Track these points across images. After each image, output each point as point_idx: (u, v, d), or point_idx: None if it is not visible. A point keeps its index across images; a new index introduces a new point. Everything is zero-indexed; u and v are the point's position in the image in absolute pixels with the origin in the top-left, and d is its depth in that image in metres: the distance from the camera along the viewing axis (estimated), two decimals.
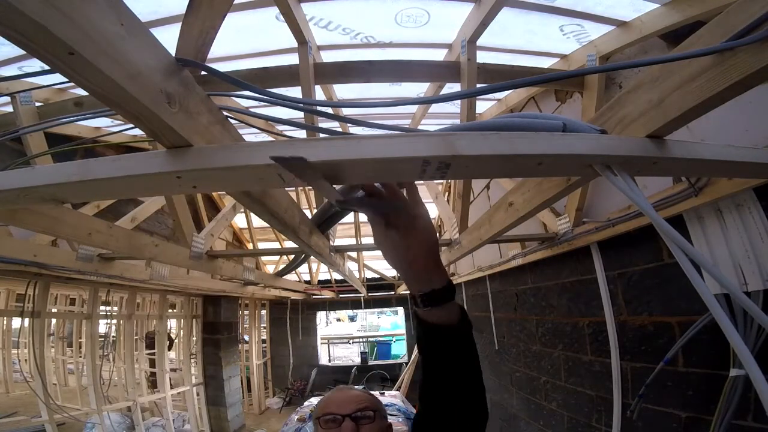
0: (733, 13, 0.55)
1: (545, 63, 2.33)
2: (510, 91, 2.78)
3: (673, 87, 0.63)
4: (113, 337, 5.48)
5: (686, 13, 1.59)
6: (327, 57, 2.19)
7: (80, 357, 6.45)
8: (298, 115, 2.44)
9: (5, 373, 6.65)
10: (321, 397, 1.26)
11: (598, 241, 2.15)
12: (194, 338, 5.87)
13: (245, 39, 2.02)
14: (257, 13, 1.82)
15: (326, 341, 10.54)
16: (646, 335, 1.91)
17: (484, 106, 3.04)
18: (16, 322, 6.59)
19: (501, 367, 3.87)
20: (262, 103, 2.02)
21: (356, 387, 1.19)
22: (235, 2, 1.30)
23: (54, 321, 7.21)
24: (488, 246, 2.49)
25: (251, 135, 2.90)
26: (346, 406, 1.01)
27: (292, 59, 1.98)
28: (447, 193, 4.49)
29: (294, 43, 1.86)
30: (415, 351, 7.85)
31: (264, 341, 9.03)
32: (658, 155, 0.64)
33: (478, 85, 1.92)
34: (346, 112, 2.80)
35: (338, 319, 20.04)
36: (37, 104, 2.07)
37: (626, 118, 0.73)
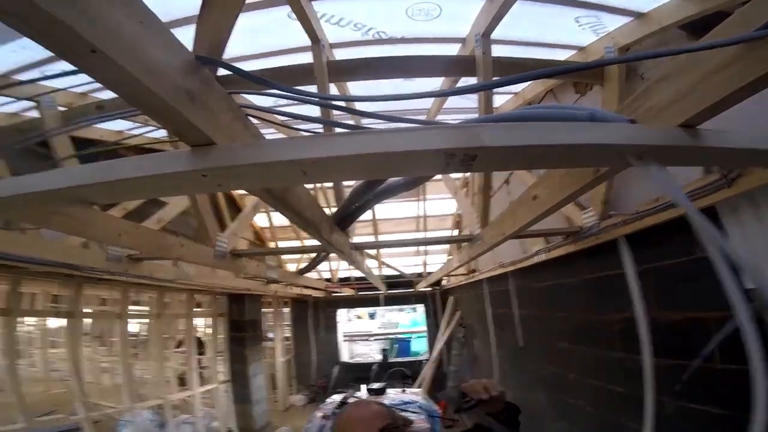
0: (760, 2, 0.52)
1: (561, 55, 2.28)
2: (527, 83, 2.73)
3: (703, 76, 0.60)
4: (144, 335, 5.64)
5: (706, 3, 1.54)
6: (340, 54, 2.19)
7: (113, 356, 6.67)
8: (314, 110, 2.46)
9: (44, 372, 6.94)
10: (342, 399, 1.20)
11: (626, 234, 2.08)
12: (220, 336, 6.00)
13: (257, 39, 2.03)
14: (269, 12, 1.84)
15: (347, 338, 10.59)
16: (679, 331, 1.84)
17: (500, 100, 2.98)
18: (52, 322, 6.88)
19: (526, 365, 3.81)
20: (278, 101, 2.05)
21: (372, 400, 1.15)
22: (247, 2, 1.31)
23: (90, 321, 7.48)
24: (510, 241, 2.45)
25: (267, 132, 2.93)
26: (372, 425, 0.97)
27: (304, 58, 1.99)
28: (465, 189, 4.44)
29: (306, 42, 1.87)
30: (436, 348, 7.81)
31: (287, 339, 9.16)
32: (691, 144, 0.62)
33: (495, 78, 1.89)
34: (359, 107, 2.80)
35: (358, 317, 20.12)
36: (61, 109, 2.14)
37: (654, 108, 0.70)
